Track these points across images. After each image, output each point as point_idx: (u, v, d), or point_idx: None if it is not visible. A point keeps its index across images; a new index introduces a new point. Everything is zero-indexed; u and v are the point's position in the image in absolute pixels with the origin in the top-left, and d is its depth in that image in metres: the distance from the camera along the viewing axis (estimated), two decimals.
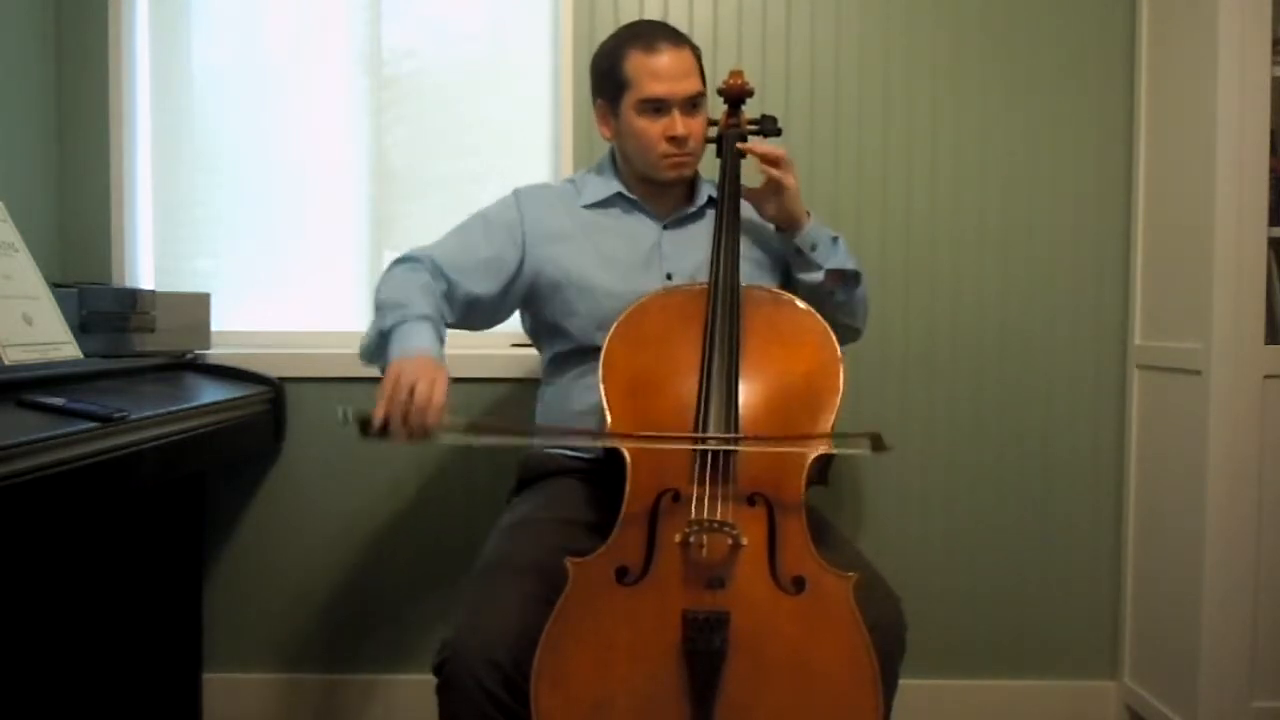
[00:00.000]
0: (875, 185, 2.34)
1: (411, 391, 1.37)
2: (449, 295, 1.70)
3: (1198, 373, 2.03)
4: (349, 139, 2.44)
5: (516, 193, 1.82)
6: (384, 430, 1.36)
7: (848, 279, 1.77)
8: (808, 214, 1.73)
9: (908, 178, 2.34)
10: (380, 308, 1.60)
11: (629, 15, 2.28)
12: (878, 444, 1.39)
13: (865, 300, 1.85)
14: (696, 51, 1.73)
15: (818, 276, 1.73)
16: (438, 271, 1.69)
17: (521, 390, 2.28)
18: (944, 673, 2.34)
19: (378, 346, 1.57)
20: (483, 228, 1.77)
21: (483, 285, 1.72)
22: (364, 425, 1.35)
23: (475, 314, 1.76)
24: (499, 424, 1.40)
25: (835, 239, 1.76)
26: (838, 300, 1.76)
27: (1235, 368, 1.98)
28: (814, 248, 1.72)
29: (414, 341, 1.51)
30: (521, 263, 1.76)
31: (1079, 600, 2.36)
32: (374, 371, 2.26)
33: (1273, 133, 2.00)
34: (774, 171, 1.68)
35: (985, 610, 2.37)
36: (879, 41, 2.33)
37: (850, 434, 1.44)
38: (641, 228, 1.78)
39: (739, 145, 1.72)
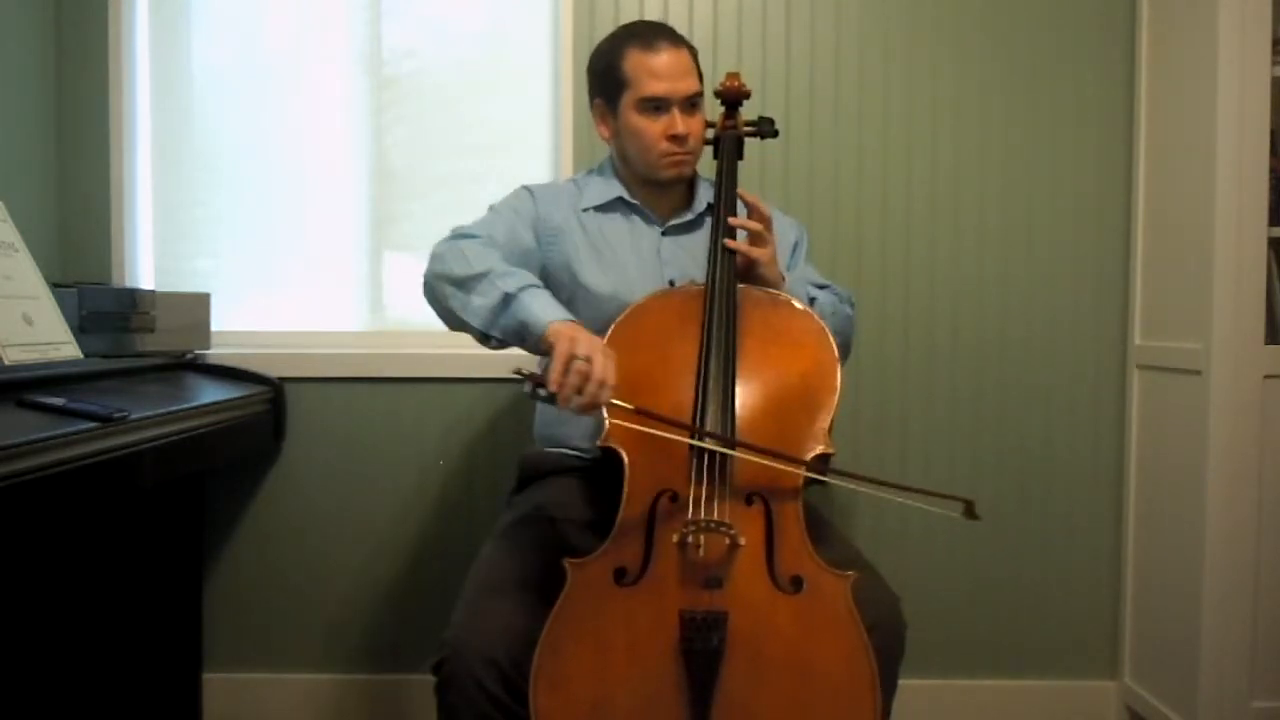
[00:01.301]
0: (875, 185, 2.34)
1: (589, 363, 1.35)
2: None
3: (1198, 373, 2.03)
4: (349, 139, 2.44)
5: (528, 188, 1.80)
6: (553, 396, 1.35)
7: None
8: (783, 277, 1.67)
9: (907, 178, 2.34)
10: (484, 275, 1.52)
11: (629, 15, 2.29)
12: (970, 513, 1.40)
13: (846, 347, 1.75)
14: (694, 52, 1.73)
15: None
16: (494, 244, 1.64)
17: (521, 390, 2.27)
18: (944, 673, 2.34)
19: (501, 307, 1.50)
20: (516, 219, 1.73)
21: (520, 264, 1.67)
22: (537, 385, 1.35)
23: None
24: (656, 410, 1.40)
25: (813, 300, 1.71)
26: None
27: (1235, 368, 1.98)
28: None
29: (558, 309, 1.48)
30: (540, 258, 1.75)
31: (1079, 600, 2.36)
32: (372, 372, 2.31)
33: (1273, 133, 2.00)
34: (742, 248, 1.60)
35: (985, 610, 2.37)
36: (879, 41, 2.32)
37: (942, 494, 1.41)
38: (641, 232, 1.78)
39: (728, 244, 1.61)
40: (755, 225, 1.62)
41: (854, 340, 1.86)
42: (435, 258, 1.60)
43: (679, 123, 1.67)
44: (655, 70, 1.67)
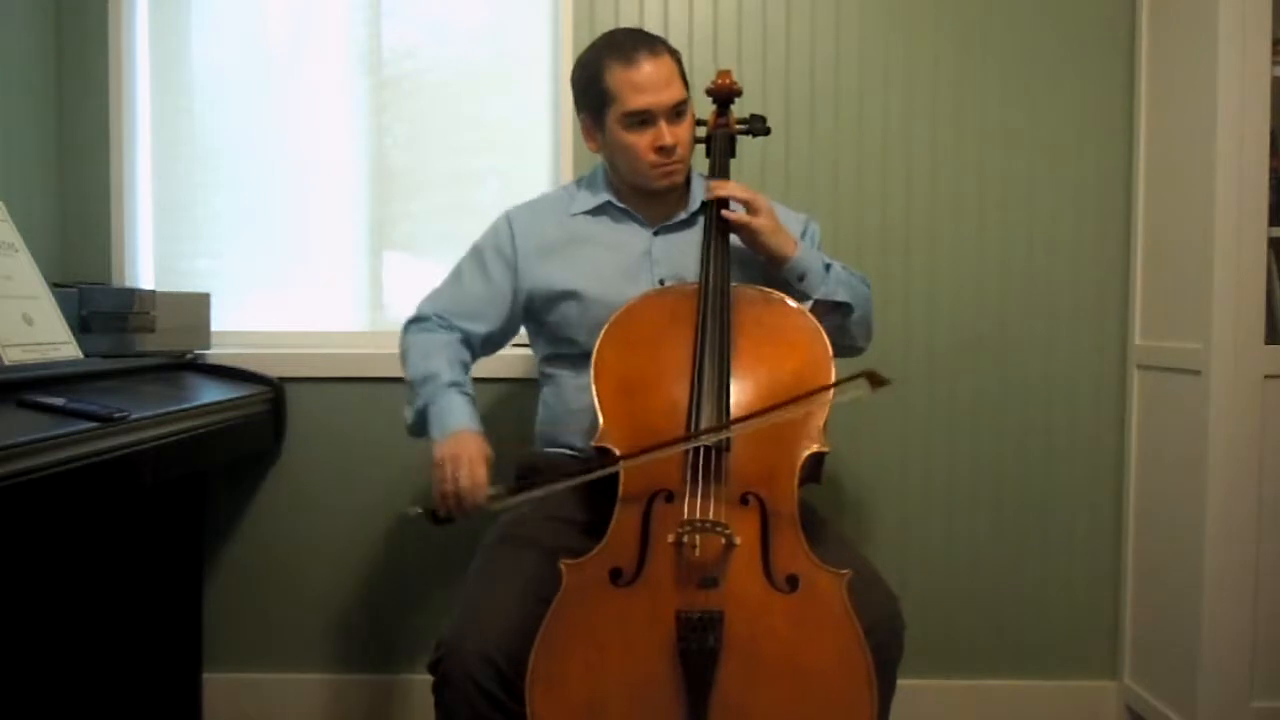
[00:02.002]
0: (875, 185, 2.33)
1: (455, 479, 1.50)
2: (465, 341, 1.79)
3: (1198, 373, 2.03)
4: (349, 139, 2.44)
5: (507, 215, 1.84)
6: (450, 518, 1.53)
7: (838, 307, 1.71)
8: (795, 243, 1.69)
9: (907, 177, 2.34)
10: (412, 384, 1.71)
11: (629, 15, 2.29)
12: (875, 379, 1.41)
13: (867, 322, 1.80)
14: (676, 55, 1.70)
15: (806, 305, 1.70)
16: (447, 323, 1.79)
17: (522, 390, 2.28)
18: (944, 673, 2.34)
19: (419, 424, 1.68)
20: (478, 265, 1.82)
21: (490, 323, 1.81)
22: (433, 516, 1.53)
23: (491, 345, 1.86)
24: (535, 480, 1.56)
25: (829, 266, 1.72)
26: (830, 324, 1.73)
27: (1235, 368, 1.98)
28: (802, 278, 1.67)
29: (448, 419, 1.62)
30: (516, 286, 1.79)
31: (1079, 600, 2.36)
32: (372, 372, 2.31)
33: (1273, 133, 2.00)
34: (742, 219, 1.63)
35: (985, 610, 2.36)
36: (879, 41, 2.32)
37: (844, 379, 1.44)
38: (631, 235, 1.78)
39: (724, 215, 1.65)
40: (745, 194, 1.65)
41: (873, 323, 1.86)
42: (401, 350, 1.80)
43: (666, 134, 1.66)
44: (637, 84, 1.65)
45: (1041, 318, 2.34)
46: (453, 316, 1.79)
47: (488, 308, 1.80)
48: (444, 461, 1.53)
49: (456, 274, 1.85)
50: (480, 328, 1.79)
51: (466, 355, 1.78)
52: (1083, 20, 2.31)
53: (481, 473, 1.52)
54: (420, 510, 1.52)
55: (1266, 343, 1.99)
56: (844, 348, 1.75)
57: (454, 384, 1.68)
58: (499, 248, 1.80)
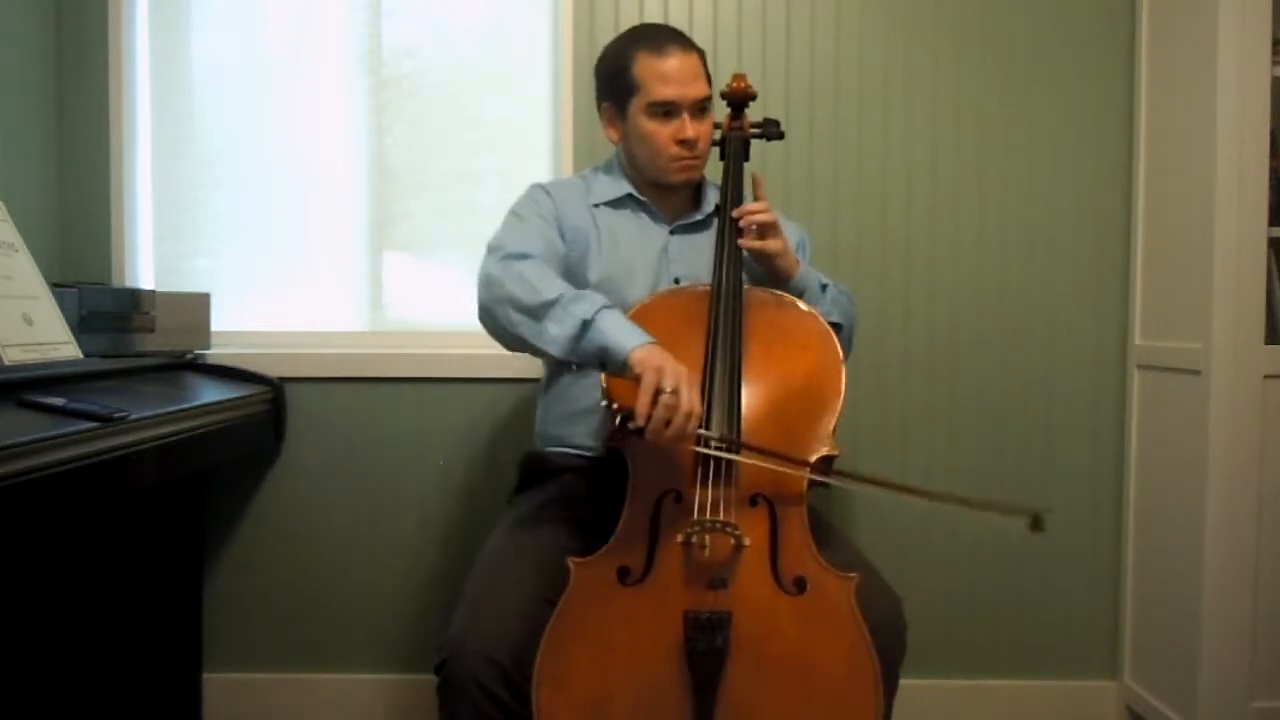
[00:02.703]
0: (875, 185, 2.34)
1: (675, 394, 1.34)
2: None
3: (1198, 373, 2.03)
4: (349, 138, 2.44)
5: (543, 187, 1.79)
6: (640, 430, 1.35)
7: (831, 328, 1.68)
8: (798, 263, 1.70)
9: (908, 178, 2.34)
10: (555, 302, 1.49)
11: (629, 15, 2.29)
12: (1037, 525, 1.38)
13: (851, 339, 1.79)
14: (702, 55, 1.72)
15: None
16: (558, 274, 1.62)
17: (522, 390, 2.28)
18: (944, 673, 2.34)
19: (579, 335, 1.46)
20: (543, 225, 1.72)
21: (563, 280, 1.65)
22: (626, 418, 1.35)
23: None
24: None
25: (825, 287, 1.74)
26: None
27: (1235, 368, 1.98)
28: (800, 295, 1.69)
29: (636, 332, 1.45)
30: (564, 257, 1.74)
31: (1079, 600, 2.36)
32: (372, 372, 2.30)
33: (1273, 133, 2.00)
34: (755, 245, 1.64)
35: (985, 610, 2.37)
36: (879, 42, 2.33)
37: (1009, 503, 1.42)
38: (650, 230, 1.78)
39: (742, 243, 1.64)
40: (767, 217, 1.63)
41: (854, 339, 1.87)
42: (492, 282, 1.56)
43: (688, 127, 1.68)
44: (665, 75, 1.67)
45: (1041, 317, 2.35)
46: (544, 260, 1.62)
47: (560, 264, 1.68)
48: (663, 370, 1.35)
49: (529, 227, 1.70)
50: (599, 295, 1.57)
51: None
52: (1083, 20, 2.31)
53: (701, 401, 1.38)
54: (618, 408, 1.35)
55: (1266, 343, 2.00)
56: None
57: (606, 307, 1.48)
58: (552, 214, 1.74)
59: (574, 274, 1.73)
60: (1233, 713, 2.00)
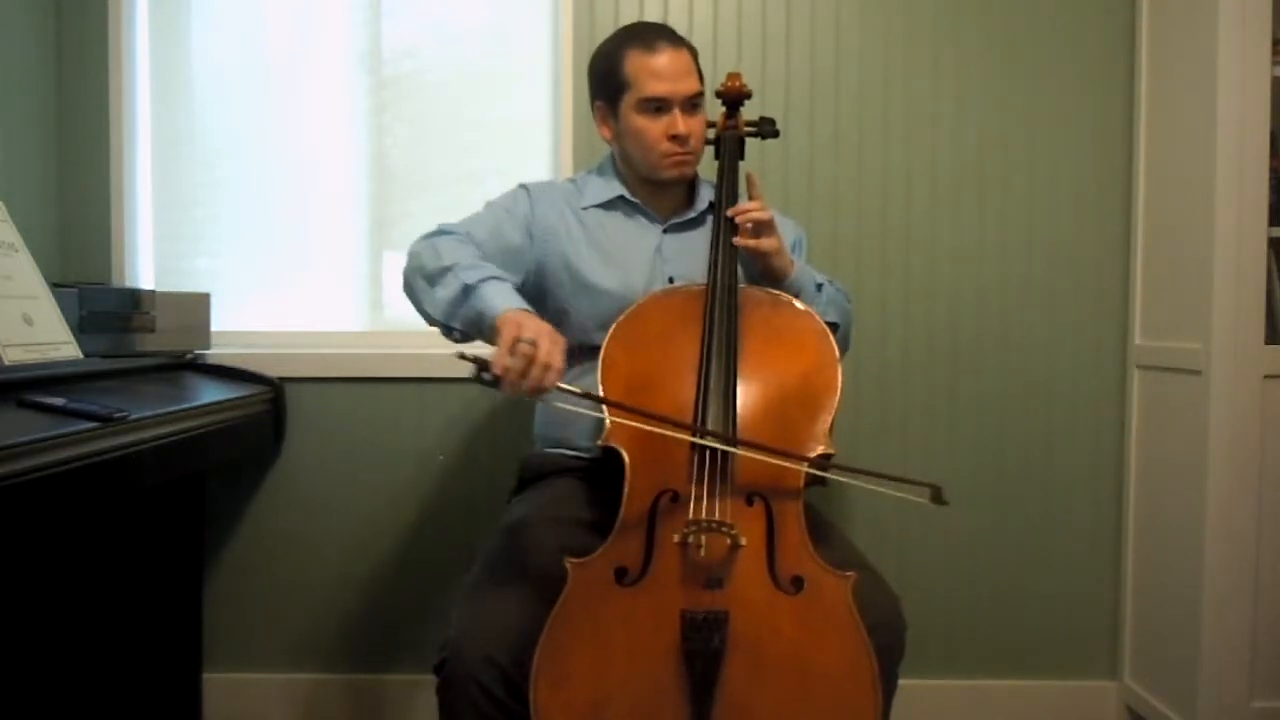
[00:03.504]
0: (875, 184, 2.34)
1: (534, 346, 1.34)
2: None
3: (1198, 373, 2.03)
4: (349, 139, 2.44)
5: (525, 187, 1.81)
6: (498, 380, 1.34)
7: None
8: (793, 263, 1.70)
9: (908, 178, 2.34)
10: (451, 269, 1.54)
11: (629, 15, 2.29)
12: (937, 498, 1.41)
13: (847, 338, 1.81)
14: (694, 52, 1.73)
15: None
16: (479, 252, 1.65)
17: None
18: (944, 673, 2.34)
19: (460, 299, 1.51)
20: (506, 217, 1.75)
21: (511, 275, 1.67)
22: (482, 368, 1.34)
23: None
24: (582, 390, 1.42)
25: (820, 286, 1.74)
26: None
27: (1235, 368, 1.98)
28: (796, 296, 1.68)
29: (514, 299, 1.48)
30: (533, 257, 1.75)
31: (1079, 600, 2.36)
32: (372, 372, 2.30)
33: (1273, 133, 2.00)
34: (750, 243, 1.64)
35: (985, 610, 2.37)
36: (879, 42, 2.33)
37: (907, 479, 1.43)
38: (642, 230, 1.78)
39: (736, 242, 1.64)
40: (762, 215, 1.63)
41: (853, 339, 1.87)
42: (411, 254, 1.64)
43: (680, 123, 1.68)
44: (656, 71, 1.67)
45: (1042, 318, 2.35)
46: (484, 248, 1.66)
47: (511, 259, 1.70)
48: (522, 324, 1.37)
49: (482, 218, 1.74)
50: (506, 273, 1.63)
51: None
52: (1083, 20, 2.31)
53: (561, 355, 1.37)
54: (472, 357, 1.34)
55: (1266, 343, 2.00)
56: None
57: (496, 278, 1.52)
58: (523, 214, 1.75)
59: (561, 277, 1.74)
60: (1233, 713, 2.00)
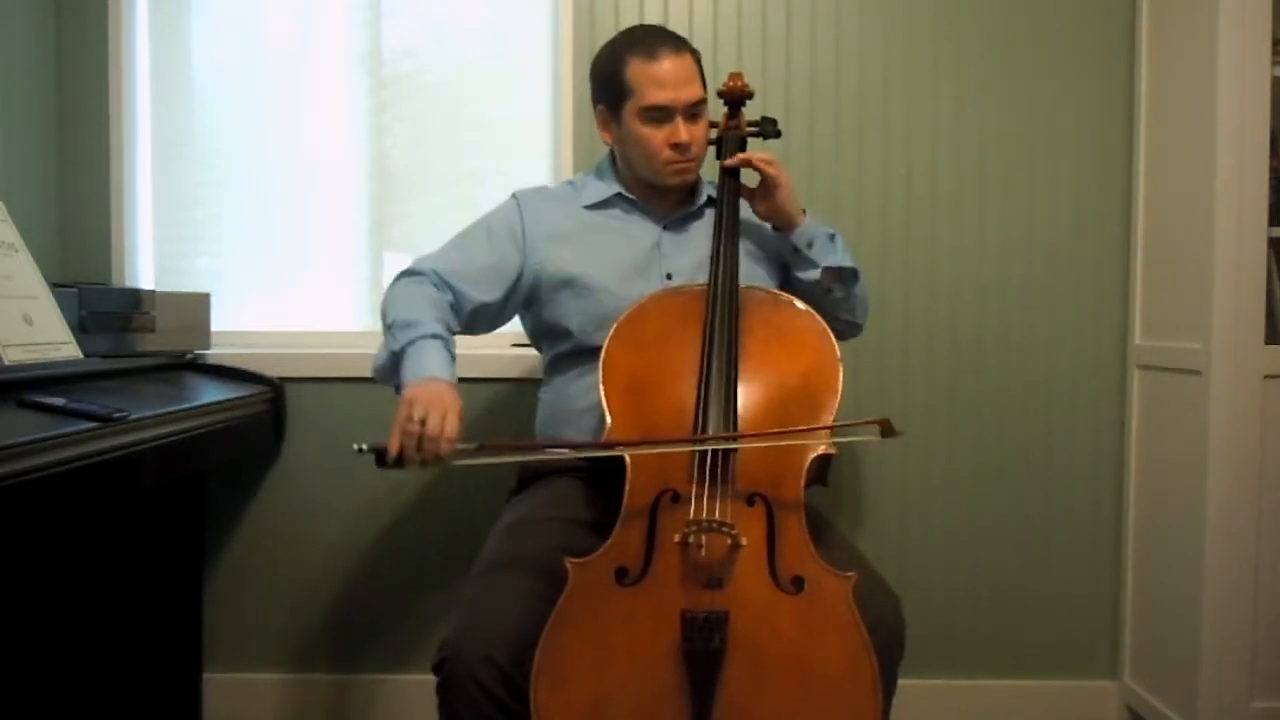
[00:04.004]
0: (875, 184, 2.34)
1: (424, 423, 1.40)
2: (455, 305, 1.72)
3: (1198, 373, 2.03)
4: (349, 139, 2.44)
5: (516, 195, 1.82)
6: (399, 460, 1.41)
7: (845, 276, 1.77)
8: (803, 212, 1.73)
9: (908, 177, 2.34)
10: (391, 327, 1.62)
11: (629, 15, 2.29)
12: (887, 430, 1.40)
13: (865, 296, 1.86)
14: (696, 56, 1.72)
15: (815, 274, 1.73)
16: (442, 283, 1.72)
17: (521, 390, 2.28)
18: (944, 673, 2.34)
19: (390, 367, 1.59)
20: (485, 235, 1.78)
21: (486, 293, 1.74)
22: (380, 456, 1.40)
23: (479, 320, 1.78)
24: (508, 441, 1.46)
25: (832, 236, 1.77)
26: (836, 297, 1.77)
27: (1235, 368, 1.98)
28: (810, 245, 1.73)
29: (425, 367, 1.54)
30: (522, 266, 1.76)
31: (1079, 600, 2.36)
32: (370, 372, 2.30)
33: (1273, 133, 2.00)
34: (770, 170, 1.68)
35: (985, 610, 2.37)
36: (879, 42, 2.32)
37: (856, 421, 1.45)
38: (641, 228, 1.78)
39: (728, 161, 1.71)
40: (768, 154, 1.68)
41: (851, 341, 1.87)
42: (383, 301, 1.70)
43: (682, 131, 1.68)
44: (658, 79, 1.66)
45: (1042, 318, 2.35)
46: (450, 277, 1.72)
47: (488, 277, 1.75)
48: (414, 401, 1.43)
49: (460, 239, 1.80)
50: (476, 295, 1.73)
51: (453, 319, 1.71)
52: (1083, 20, 2.31)
53: (454, 423, 1.42)
54: (367, 447, 1.40)
55: (1266, 343, 2.00)
56: (847, 324, 1.81)
57: (436, 336, 1.59)
58: (509, 226, 1.78)
59: (559, 278, 1.74)
60: (1233, 713, 2.00)
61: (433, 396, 1.44)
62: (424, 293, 1.68)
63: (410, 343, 1.57)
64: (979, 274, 2.35)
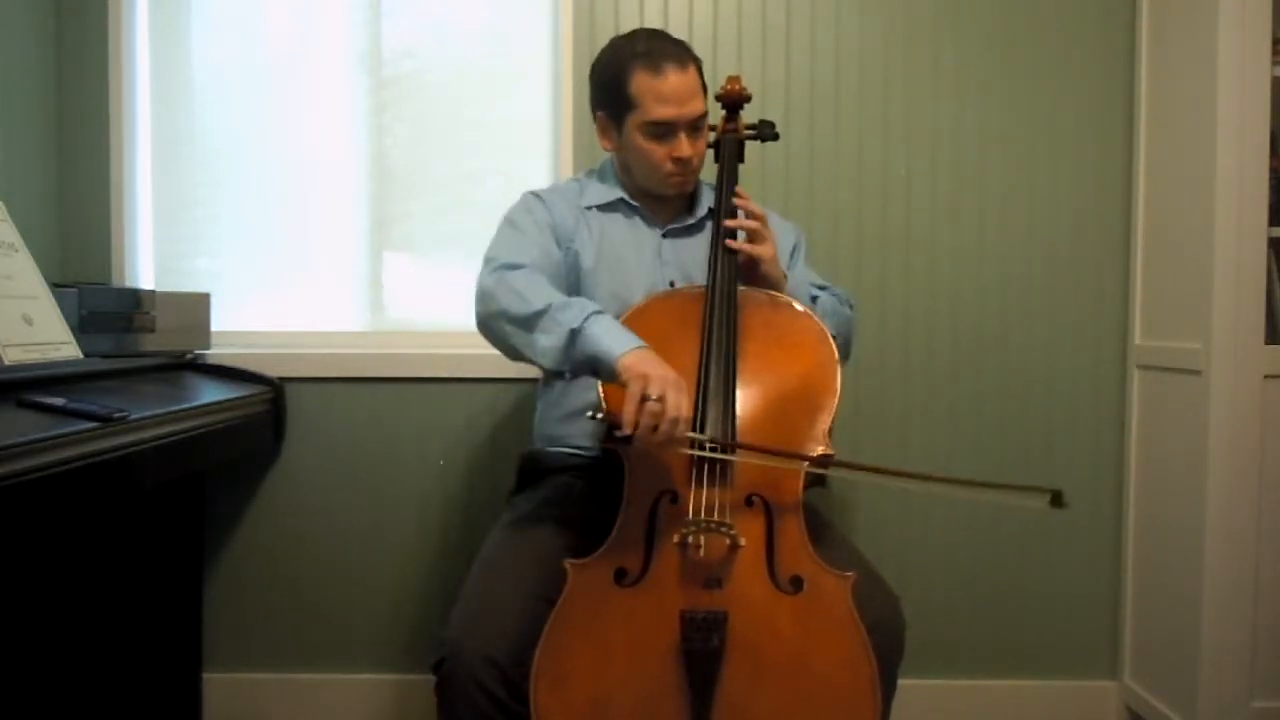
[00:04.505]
0: (875, 186, 2.34)
1: (662, 400, 1.34)
2: None
3: (1198, 373, 2.03)
4: (349, 139, 2.44)
5: (536, 194, 1.79)
6: (629, 438, 1.35)
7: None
8: (784, 276, 1.69)
9: (908, 178, 2.34)
10: (543, 311, 1.49)
11: (629, 15, 2.29)
12: (1057, 501, 1.44)
13: (847, 347, 1.79)
14: (699, 64, 1.70)
15: None
16: (551, 283, 1.61)
17: (521, 390, 2.29)
18: (944, 673, 2.34)
19: (568, 345, 1.46)
20: (540, 235, 1.72)
21: (561, 287, 1.66)
22: (611, 431, 1.35)
23: None
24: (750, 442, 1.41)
25: (815, 298, 1.73)
26: None
27: (1235, 368, 1.98)
28: None
29: (627, 338, 1.44)
30: (562, 258, 1.74)
31: (1079, 600, 2.36)
32: (372, 372, 2.31)
33: (1273, 133, 2.00)
34: (745, 248, 1.62)
35: (985, 610, 2.37)
36: (879, 43, 2.32)
37: (1029, 487, 1.46)
38: (643, 233, 1.78)
39: (729, 245, 1.61)
40: (753, 224, 1.62)
41: (854, 341, 1.87)
42: (486, 296, 1.57)
43: (685, 146, 1.67)
44: (663, 95, 1.64)
45: (1042, 318, 2.35)
46: (547, 276, 1.62)
47: (559, 273, 1.68)
48: (649, 378, 1.34)
49: (525, 236, 1.70)
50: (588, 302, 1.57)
51: None
52: (1083, 21, 2.31)
53: (690, 404, 1.37)
54: (604, 416, 1.36)
55: (1266, 343, 2.00)
56: None
57: (595, 313, 1.47)
58: (543, 222, 1.73)
59: (569, 278, 1.73)
60: (1233, 713, 2.00)
61: (666, 373, 1.37)
62: (547, 283, 1.58)
63: (588, 317, 1.46)
64: (979, 274, 2.35)
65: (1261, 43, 1.96)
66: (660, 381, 1.35)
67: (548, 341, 1.48)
